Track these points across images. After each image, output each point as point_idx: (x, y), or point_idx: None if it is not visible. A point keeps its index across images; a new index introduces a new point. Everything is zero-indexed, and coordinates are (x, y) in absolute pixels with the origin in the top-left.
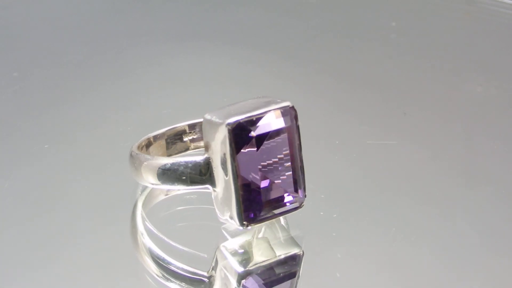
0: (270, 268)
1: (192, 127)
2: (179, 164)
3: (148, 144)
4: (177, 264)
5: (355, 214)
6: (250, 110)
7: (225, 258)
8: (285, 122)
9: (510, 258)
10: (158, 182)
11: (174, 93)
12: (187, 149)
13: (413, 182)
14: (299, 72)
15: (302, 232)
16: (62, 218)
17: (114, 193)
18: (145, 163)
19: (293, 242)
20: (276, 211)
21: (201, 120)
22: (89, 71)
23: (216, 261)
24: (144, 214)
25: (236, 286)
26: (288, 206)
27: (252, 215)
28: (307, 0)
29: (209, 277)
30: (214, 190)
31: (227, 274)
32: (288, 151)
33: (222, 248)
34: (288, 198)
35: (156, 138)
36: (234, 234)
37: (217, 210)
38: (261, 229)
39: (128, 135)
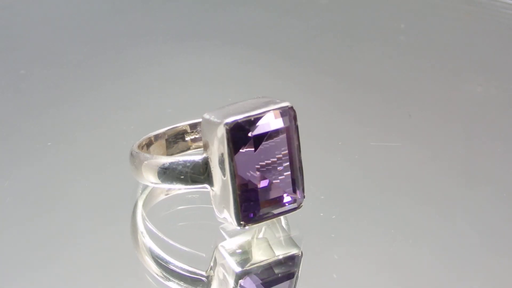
0: (268, 268)
1: (193, 126)
2: (177, 163)
3: (149, 144)
4: (176, 264)
5: (355, 214)
6: (249, 110)
7: (223, 257)
8: (284, 122)
9: (510, 258)
10: (158, 181)
11: (174, 93)
12: (188, 148)
13: (413, 182)
14: (299, 72)
15: (302, 232)
16: (62, 218)
17: (114, 193)
18: (146, 162)
19: (292, 242)
20: (274, 212)
21: None
22: (89, 71)
23: (215, 260)
24: (144, 214)
25: (233, 285)
26: (286, 207)
27: (249, 215)
28: (318, 1)
29: (208, 277)
30: (212, 190)
31: (225, 273)
32: (286, 152)
33: (220, 248)
34: (286, 198)
35: (156, 137)
36: (232, 234)
37: (215, 210)
38: (261, 229)
39: (128, 135)
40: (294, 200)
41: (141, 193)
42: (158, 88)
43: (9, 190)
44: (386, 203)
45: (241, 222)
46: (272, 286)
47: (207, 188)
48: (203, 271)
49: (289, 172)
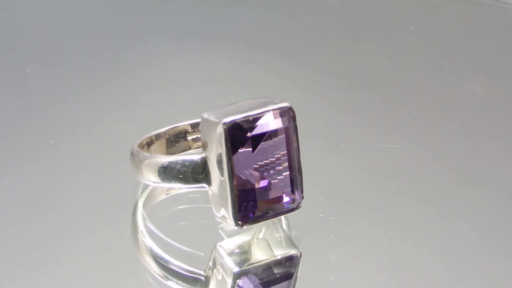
0: (266, 268)
1: (194, 126)
2: (176, 163)
3: (150, 143)
4: (175, 263)
5: (355, 214)
6: (248, 110)
7: (221, 257)
8: (283, 122)
9: (510, 258)
10: (159, 180)
11: (174, 93)
12: (189, 148)
13: (413, 182)
14: (299, 72)
15: (302, 233)
16: (62, 218)
17: (114, 193)
18: (146, 161)
19: (291, 243)
20: (272, 212)
21: None
22: (89, 71)
23: (213, 260)
24: (144, 214)
25: (231, 285)
26: (285, 207)
27: (247, 215)
28: (318, 1)
29: (206, 276)
30: (211, 189)
31: (223, 273)
32: (285, 152)
33: (218, 248)
34: (285, 199)
35: (157, 137)
36: (230, 234)
37: (213, 209)
38: (261, 229)
39: (128, 134)
40: (292, 201)
41: (142, 193)
42: (158, 88)
43: (9, 190)
44: (386, 203)
45: (239, 222)
46: (270, 286)
47: (205, 188)
48: (202, 270)
49: (287, 173)
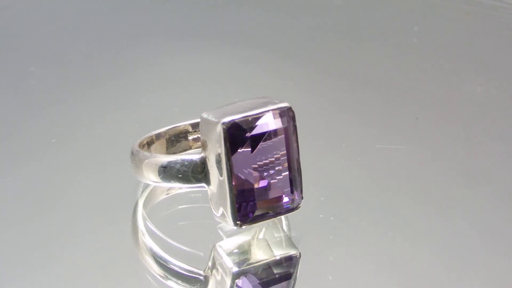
0: (265, 268)
1: (195, 126)
2: (175, 162)
3: (150, 142)
4: (175, 263)
5: (355, 214)
6: (247, 110)
7: (220, 257)
8: (282, 123)
9: (510, 258)
10: (159, 180)
11: (174, 93)
12: (190, 148)
13: (413, 182)
14: (299, 72)
15: (302, 233)
16: (62, 218)
17: (114, 193)
18: (146, 161)
19: (291, 243)
20: (271, 212)
21: None
22: (89, 71)
23: (213, 260)
24: (145, 214)
25: (230, 285)
26: (284, 208)
27: (246, 215)
28: (318, 1)
29: (205, 276)
30: (210, 189)
31: (222, 273)
32: (284, 152)
33: (217, 248)
34: (284, 199)
35: (158, 136)
36: (229, 234)
37: (212, 209)
38: (262, 229)
39: (128, 134)
40: (291, 201)
41: (142, 193)
42: (158, 88)
43: (9, 190)
44: (386, 203)
45: (238, 222)
46: (269, 287)
47: (205, 187)
48: (201, 270)
49: (287, 173)
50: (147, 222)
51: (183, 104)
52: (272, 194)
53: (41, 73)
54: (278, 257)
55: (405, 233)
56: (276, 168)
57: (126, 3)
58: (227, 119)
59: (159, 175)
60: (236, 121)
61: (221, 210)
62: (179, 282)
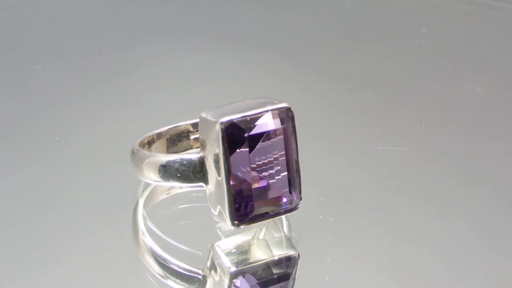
0: (263, 268)
1: (196, 126)
2: (174, 162)
3: (151, 142)
4: (174, 262)
5: (355, 214)
6: (246, 110)
7: (219, 257)
8: (281, 123)
9: (510, 258)
10: (159, 179)
11: (174, 93)
12: (191, 147)
13: (413, 182)
14: (299, 72)
15: (301, 233)
16: (62, 218)
17: (114, 193)
18: (146, 160)
19: (290, 243)
20: (269, 212)
21: None
22: (90, 70)
23: (211, 260)
24: (145, 213)
25: (228, 285)
26: (282, 208)
27: (244, 215)
28: (318, 1)
29: (204, 276)
30: (208, 189)
31: (221, 273)
32: (283, 152)
33: (216, 247)
34: (282, 199)
35: (159, 136)
36: (227, 234)
37: (211, 209)
38: (262, 229)
39: (129, 134)
40: (290, 201)
41: (142, 192)
42: (158, 88)
43: (9, 190)
44: (386, 203)
45: (235, 222)
46: (267, 287)
47: (203, 187)
48: (200, 269)
49: (285, 173)
50: (147, 222)
51: (184, 104)
52: (271, 194)
53: (41, 73)
54: (277, 258)
55: (405, 233)
56: (275, 169)
57: (126, 3)
58: (226, 118)
59: (159, 174)
60: (235, 121)
61: (219, 209)
62: (178, 281)
